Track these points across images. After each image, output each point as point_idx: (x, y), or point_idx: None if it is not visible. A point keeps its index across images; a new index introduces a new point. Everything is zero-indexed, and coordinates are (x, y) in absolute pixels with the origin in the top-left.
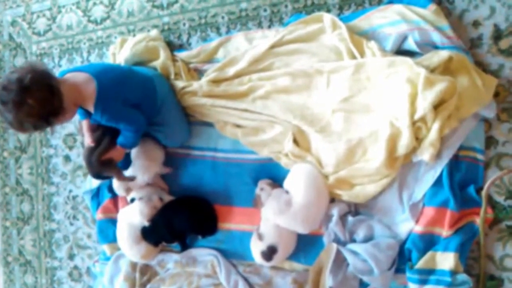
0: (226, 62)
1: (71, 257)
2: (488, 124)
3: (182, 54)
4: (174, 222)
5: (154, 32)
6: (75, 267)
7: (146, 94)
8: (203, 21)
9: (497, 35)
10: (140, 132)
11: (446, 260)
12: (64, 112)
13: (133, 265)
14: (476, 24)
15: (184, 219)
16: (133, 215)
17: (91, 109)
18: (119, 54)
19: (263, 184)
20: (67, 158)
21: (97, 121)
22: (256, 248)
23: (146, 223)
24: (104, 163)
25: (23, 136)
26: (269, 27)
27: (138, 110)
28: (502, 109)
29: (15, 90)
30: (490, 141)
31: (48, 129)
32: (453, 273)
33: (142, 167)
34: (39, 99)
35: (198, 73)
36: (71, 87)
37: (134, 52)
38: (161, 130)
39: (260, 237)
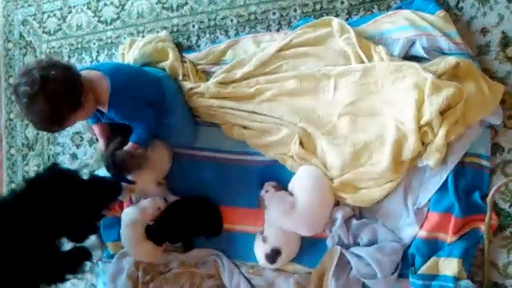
0: (234, 64)
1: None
2: (494, 131)
3: (190, 56)
4: (179, 222)
5: (163, 33)
6: None
7: (156, 93)
8: (212, 23)
9: (505, 43)
10: (152, 129)
11: (449, 266)
12: (84, 106)
13: (137, 264)
14: (484, 31)
15: (189, 219)
16: (137, 215)
17: (104, 107)
18: (128, 55)
19: (268, 186)
20: (74, 156)
21: (110, 119)
22: (260, 251)
23: (150, 223)
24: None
25: (30, 134)
26: (278, 30)
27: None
28: (509, 116)
29: (39, 81)
30: (496, 148)
31: None
32: (456, 279)
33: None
34: (62, 90)
35: (206, 74)
36: (87, 82)
37: (143, 52)
38: (169, 131)
39: (264, 239)
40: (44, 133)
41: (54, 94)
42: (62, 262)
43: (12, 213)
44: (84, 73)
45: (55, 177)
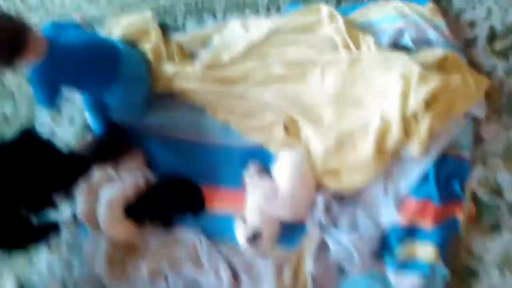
0: (221, 48)
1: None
2: (477, 123)
3: (177, 37)
4: (161, 200)
5: (147, 13)
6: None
7: (103, 59)
8: (199, 5)
9: (492, 37)
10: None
11: (426, 251)
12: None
13: (114, 242)
14: (472, 24)
15: (171, 198)
16: (117, 192)
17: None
18: (112, 33)
19: (252, 168)
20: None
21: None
22: (241, 233)
23: (129, 201)
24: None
25: (9, 110)
26: (266, 15)
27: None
28: (492, 109)
29: None
30: (477, 140)
31: None
32: (432, 264)
33: None
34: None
35: (192, 57)
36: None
37: (126, 31)
38: (114, 102)
39: (245, 221)
40: (24, 110)
41: None
42: (27, 231)
43: None
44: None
45: (25, 141)
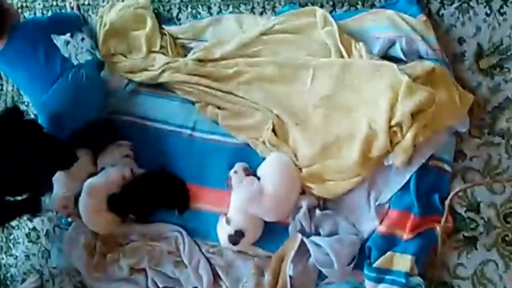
0: (214, 43)
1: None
2: (459, 138)
3: (170, 29)
4: (144, 194)
5: (143, 0)
6: (34, 229)
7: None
8: None
9: (479, 54)
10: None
11: (403, 262)
12: None
13: (95, 234)
14: (461, 40)
15: (155, 192)
16: (101, 183)
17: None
18: (105, 17)
19: (238, 167)
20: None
21: None
22: (223, 232)
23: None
24: None
25: None
26: (261, 13)
27: None
28: (475, 126)
29: None
30: (459, 155)
31: None
32: (408, 275)
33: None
34: None
35: (184, 50)
36: None
37: (121, 16)
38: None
39: (228, 221)
40: (9, 90)
41: None
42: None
43: None
44: None
45: (9, 119)
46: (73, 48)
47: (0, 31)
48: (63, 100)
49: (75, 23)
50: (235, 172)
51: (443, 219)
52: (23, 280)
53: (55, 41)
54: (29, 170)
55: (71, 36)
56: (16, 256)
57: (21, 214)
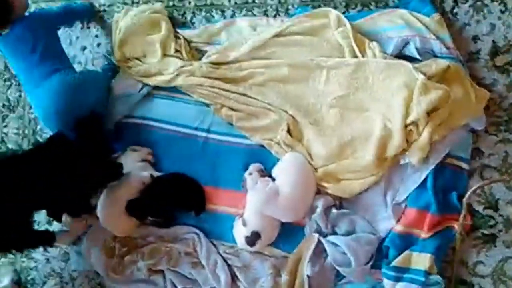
0: (228, 46)
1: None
2: (476, 135)
3: (184, 32)
4: (162, 197)
5: (158, 5)
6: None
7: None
8: (208, 1)
9: (494, 52)
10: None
11: (421, 260)
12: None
13: (113, 236)
14: (475, 38)
15: (173, 195)
16: (121, 188)
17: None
18: (121, 22)
19: (253, 169)
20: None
21: None
22: (240, 233)
23: (133, 197)
24: None
25: (12, 95)
26: (275, 16)
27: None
28: (491, 123)
29: None
30: (476, 152)
31: None
32: (427, 273)
33: None
34: None
35: (199, 53)
36: None
37: (136, 21)
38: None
39: (244, 222)
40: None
41: None
42: (26, 236)
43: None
44: None
45: (57, 145)
46: (89, 53)
47: (5, 20)
48: (53, 97)
49: (84, 14)
50: (250, 173)
51: (461, 217)
52: (44, 283)
53: (72, 47)
54: (79, 189)
55: (81, 27)
56: (37, 260)
57: (38, 245)
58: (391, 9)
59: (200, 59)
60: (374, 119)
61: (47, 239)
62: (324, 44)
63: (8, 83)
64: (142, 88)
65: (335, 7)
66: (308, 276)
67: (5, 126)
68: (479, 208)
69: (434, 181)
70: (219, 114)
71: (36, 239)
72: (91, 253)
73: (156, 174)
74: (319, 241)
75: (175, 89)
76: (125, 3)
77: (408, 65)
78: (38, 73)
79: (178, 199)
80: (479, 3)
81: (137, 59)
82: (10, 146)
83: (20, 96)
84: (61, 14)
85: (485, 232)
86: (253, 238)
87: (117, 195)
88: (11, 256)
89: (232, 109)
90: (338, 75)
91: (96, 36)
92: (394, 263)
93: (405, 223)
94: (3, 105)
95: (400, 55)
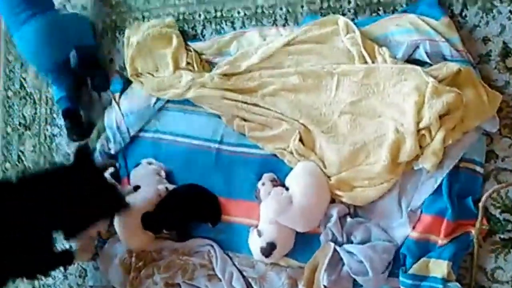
0: (238, 57)
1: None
2: (489, 138)
3: (195, 45)
4: (177, 209)
5: (169, 20)
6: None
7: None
8: (218, 14)
9: (505, 53)
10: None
11: (439, 267)
12: None
13: (129, 250)
14: (485, 40)
15: (187, 207)
16: (136, 203)
17: None
18: (132, 37)
19: (266, 179)
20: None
21: None
22: (255, 244)
23: (149, 210)
24: None
25: (28, 113)
26: (284, 25)
27: None
28: (504, 125)
29: None
30: (490, 155)
31: None
32: (445, 280)
33: None
34: None
35: (210, 65)
36: None
37: (147, 36)
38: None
39: (259, 233)
40: (42, 113)
41: None
42: (49, 259)
43: (22, 193)
44: None
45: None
46: None
47: None
48: (33, 38)
49: None
50: (263, 183)
51: (477, 222)
52: None
53: None
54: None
55: None
56: (54, 276)
57: (59, 266)
58: (399, 14)
59: (211, 70)
60: (387, 124)
61: (67, 259)
62: (334, 51)
63: (23, 101)
64: (156, 102)
65: (343, 14)
66: (325, 286)
67: (22, 144)
68: (496, 212)
69: (449, 186)
70: (231, 124)
71: (58, 260)
72: (108, 268)
73: (171, 186)
74: (335, 250)
75: (187, 101)
76: (136, 19)
77: (418, 69)
78: (18, 18)
79: (193, 210)
80: (488, 4)
81: (150, 73)
82: (27, 164)
83: (35, 113)
84: None
85: (503, 236)
86: (269, 248)
87: (134, 210)
88: None
89: (244, 120)
90: (349, 81)
91: (109, 52)
92: (411, 271)
93: (421, 230)
94: (19, 123)
95: (410, 60)
